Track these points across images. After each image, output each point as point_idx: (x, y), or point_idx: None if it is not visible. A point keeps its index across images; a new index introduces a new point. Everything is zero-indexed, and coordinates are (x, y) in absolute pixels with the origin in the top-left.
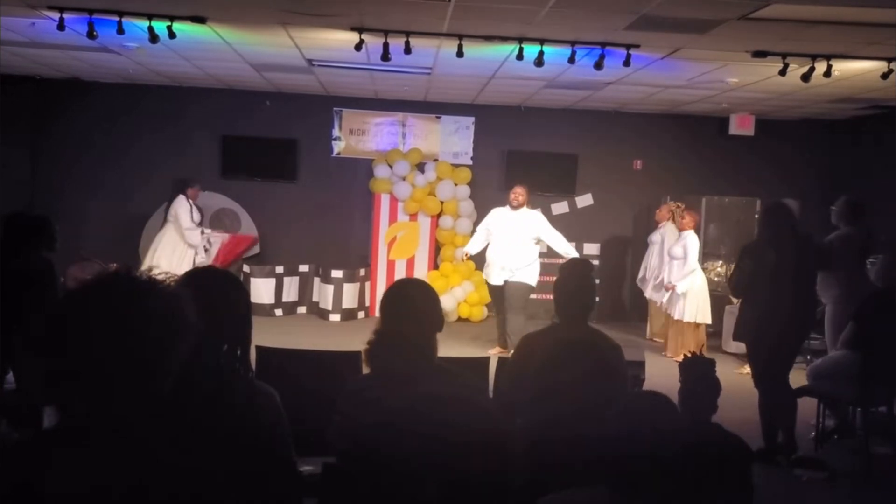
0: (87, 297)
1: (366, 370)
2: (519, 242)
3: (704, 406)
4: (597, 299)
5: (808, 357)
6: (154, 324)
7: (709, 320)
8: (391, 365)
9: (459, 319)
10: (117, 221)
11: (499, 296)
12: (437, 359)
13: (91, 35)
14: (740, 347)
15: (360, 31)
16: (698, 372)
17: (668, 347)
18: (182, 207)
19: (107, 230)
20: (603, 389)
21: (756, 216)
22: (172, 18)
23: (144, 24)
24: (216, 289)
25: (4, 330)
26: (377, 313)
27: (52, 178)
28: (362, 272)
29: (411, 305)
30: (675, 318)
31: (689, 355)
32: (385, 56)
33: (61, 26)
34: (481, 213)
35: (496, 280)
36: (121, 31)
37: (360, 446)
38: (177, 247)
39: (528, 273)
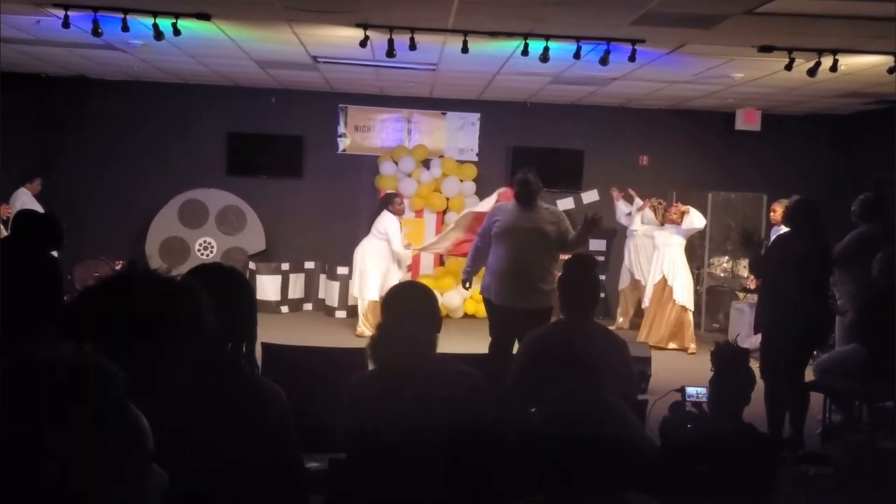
0: (106, 293)
1: (370, 365)
2: (543, 251)
3: (737, 397)
4: (601, 295)
5: (815, 352)
6: (172, 321)
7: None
8: (394, 359)
9: (465, 316)
10: (123, 219)
11: (515, 323)
12: (440, 355)
13: (96, 32)
14: (749, 342)
15: (365, 27)
16: (733, 362)
17: (674, 339)
18: (392, 225)
19: (112, 228)
20: (608, 384)
21: (773, 208)
22: (177, 15)
23: (149, 21)
24: (221, 285)
25: (10, 327)
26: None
27: (58, 176)
28: None
29: (412, 306)
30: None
31: (723, 344)
32: (390, 52)
33: (66, 24)
34: None
35: (517, 302)
36: (126, 28)
37: (365, 440)
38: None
39: (551, 292)
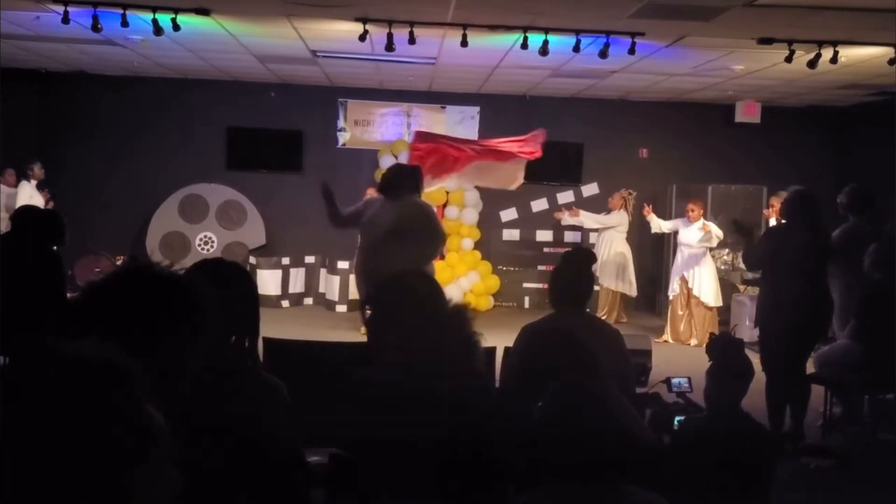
0: (109, 289)
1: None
2: (405, 246)
3: (733, 388)
4: (595, 288)
5: (816, 345)
6: (172, 316)
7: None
8: (395, 351)
9: None
10: (124, 214)
11: None
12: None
13: (95, 28)
14: (751, 335)
15: (365, 21)
16: (728, 352)
17: (680, 333)
18: None
19: (113, 223)
20: (608, 376)
21: (771, 202)
22: (176, 11)
23: (149, 16)
24: (223, 280)
25: (12, 322)
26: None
27: (58, 172)
28: None
29: (405, 295)
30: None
31: (718, 335)
32: (389, 46)
33: (66, 19)
34: (486, 202)
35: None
36: (125, 23)
37: (366, 435)
38: None
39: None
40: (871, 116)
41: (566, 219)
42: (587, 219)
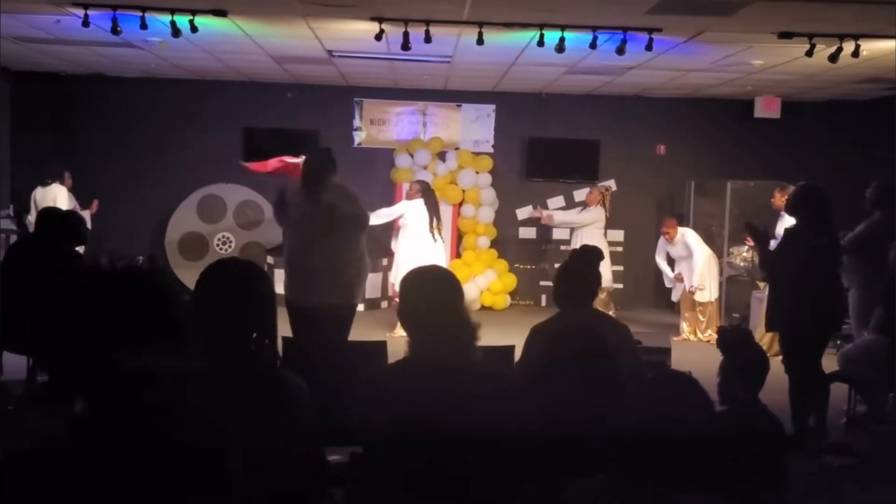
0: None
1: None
2: (336, 238)
3: (746, 380)
4: (603, 284)
5: (839, 342)
6: (135, 313)
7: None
8: (421, 352)
9: (482, 308)
10: (143, 215)
11: (308, 323)
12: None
13: (115, 31)
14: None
15: (381, 20)
16: (737, 344)
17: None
18: None
19: (132, 224)
20: (609, 369)
21: (774, 194)
22: (194, 12)
23: (167, 18)
24: (241, 280)
25: (34, 323)
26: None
27: (77, 174)
28: (384, 262)
29: (424, 296)
30: (704, 299)
31: (727, 328)
32: (405, 45)
33: (86, 23)
34: (503, 200)
35: (308, 298)
36: (144, 26)
37: (383, 431)
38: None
39: (352, 287)
40: (891, 110)
41: (544, 218)
42: (563, 218)
